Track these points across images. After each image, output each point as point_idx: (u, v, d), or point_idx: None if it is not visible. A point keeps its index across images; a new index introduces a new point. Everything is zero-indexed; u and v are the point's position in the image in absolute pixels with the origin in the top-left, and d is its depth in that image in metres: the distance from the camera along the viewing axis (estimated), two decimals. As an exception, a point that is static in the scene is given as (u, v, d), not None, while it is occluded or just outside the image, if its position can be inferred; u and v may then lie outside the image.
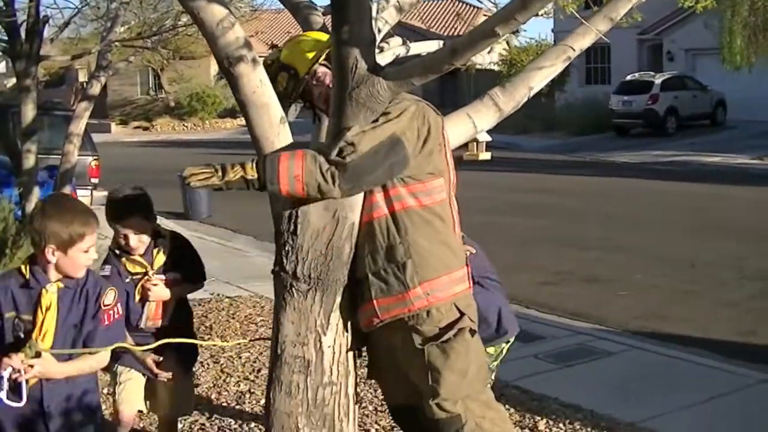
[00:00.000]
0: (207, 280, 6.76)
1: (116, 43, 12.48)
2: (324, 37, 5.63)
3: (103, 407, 6.07)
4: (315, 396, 5.23)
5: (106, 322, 5.01)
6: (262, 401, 6.67)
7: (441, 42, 6.61)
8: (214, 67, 53.97)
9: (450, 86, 52.44)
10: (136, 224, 6.26)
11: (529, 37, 53.34)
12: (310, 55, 5.40)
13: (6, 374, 4.58)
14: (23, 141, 11.21)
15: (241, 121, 7.33)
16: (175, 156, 36.23)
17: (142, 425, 7.53)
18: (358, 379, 5.55)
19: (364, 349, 5.67)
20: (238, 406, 8.04)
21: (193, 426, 7.58)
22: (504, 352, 6.73)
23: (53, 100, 24.36)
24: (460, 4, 56.67)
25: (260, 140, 5.04)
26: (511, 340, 6.73)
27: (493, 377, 6.61)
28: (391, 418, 7.68)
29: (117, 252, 6.31)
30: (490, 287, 6.49)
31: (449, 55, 4.72)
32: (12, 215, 11.19)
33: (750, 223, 18.89)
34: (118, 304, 5.18)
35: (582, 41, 6.01)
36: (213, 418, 7.75)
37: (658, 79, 42.60)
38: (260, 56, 5.15)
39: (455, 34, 49.34)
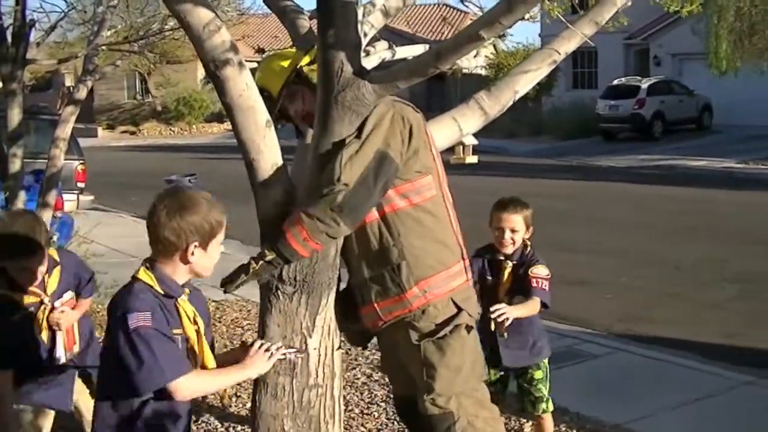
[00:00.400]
0: (195, 283, 6.54)
1: (103, 47, 12.45)
2: (292, 51, 5.67)
3: None
4: (301, 398, 5.24)
5: None
6: (249, 404, 6.68)
7: (427, 46, 6.64)
8: (201, 72, 53.85)
9: (437, 90, 52.44)
10: (41, 255, 5.63)
11: (516, 42, 53.54)
12: (280, 74, 5.42)
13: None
14: (9, 145, 11.17)
15: (228, 125, 7.34)
16: (161, 160, 36.22)
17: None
18: (343, 381, 5.58)
19: (358, 348, 5.73)
20: (223, 411, 8.03)
21: (179, 429, 7.57)
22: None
23: (39, 104, 24.27)
24: (447, 8, 56.73)
25: (246, 143, 5.05)
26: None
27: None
28: (377, 421, 7.72)
29: None
30: None
31: (434, 58, 4.74)
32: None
33: (735, 226, 18.96)
34: None
35: (567, 45, 6.04)
36: (199, 422, 7.75)
37: (645, 84, 42.70)
38: (247, 60, 5.16)
39: (442, 38, 49.33)
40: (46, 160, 11.18)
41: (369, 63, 6.23)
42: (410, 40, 9.41)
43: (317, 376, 5.27)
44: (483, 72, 51.38)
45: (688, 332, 11.03)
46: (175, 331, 4.26)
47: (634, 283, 13.79)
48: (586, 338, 10.66)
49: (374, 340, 5.66)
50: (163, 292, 4.27)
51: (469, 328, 5.27)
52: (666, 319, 11.80)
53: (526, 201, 6.67)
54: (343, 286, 5.45)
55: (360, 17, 5.51)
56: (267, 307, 5.23)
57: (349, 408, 7.84)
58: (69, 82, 57.83)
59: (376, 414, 7.84)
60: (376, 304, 5.19)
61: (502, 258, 6.54)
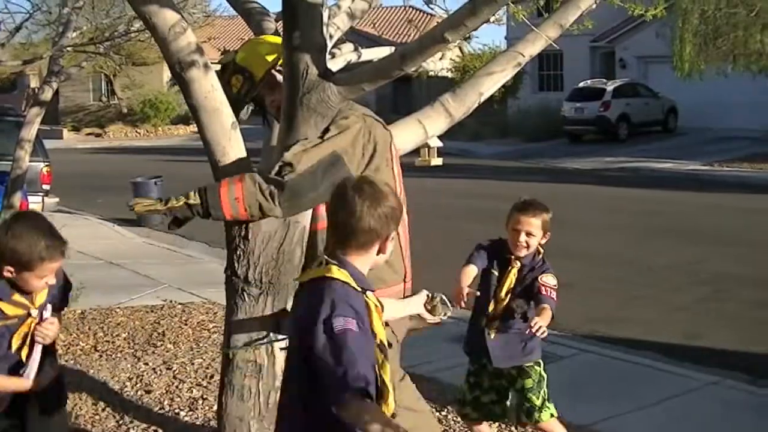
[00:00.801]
0: (161, 286, 6.42)
1: (68, 49, 12.40)
2: (279, 40, 5.64)
3: None
4: (267, 400, 5.25)
5: None
6: (215, 407, 6.67)
7: (393, 48, 6.65)
8: (166, 74, 53.63)
9: (403, 92, 52.47)
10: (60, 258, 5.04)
11: (483, 44, 53.47)
12: (269, 59, 5.39)
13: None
14: (-26, 147, 11.15)
15: (194, 127, 7.33)
16: (127, 162, 36.09)
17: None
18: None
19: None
20: (191, 412, 8.01)
21: (145, 432, 7.57)
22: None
23: (4, 105, 24.15)
24: (413, 10, 56.65)
25: (212, 144, 5.05)
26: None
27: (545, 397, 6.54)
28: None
29: None
30: None
31: (399, 60, 4.76)
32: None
33: (703, 227, 19.06)
34: None
35: (532, 48, 6.07)
36: (166, 425, 7.73)
37: (610, 86, 42.85)
38: (212, 62, 5.16)
39: (408, 40, 49.39)
40: (11, 162, 11.12)
41: (334, 65, 6.23)
42: (376, 42, 9.40)
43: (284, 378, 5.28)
44: (449, 74, 51.50)
45: (655, 333, 11.07)
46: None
47: (602, 285, 13.81)
48: (551, 339, 10.65)
49: None
50: (360, 289, 4.04)
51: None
52: (634, 321, 11.83)
53: (546, 204, 6.37)
54: None
55: (325, 19, 5.52)
56: (233, 309, 5.24)
57: (315, 410, 7.83)
58: (34, 83, 57.48)
59: (342, 416, 7.83)
60: None
61: (512, 257, 6.31)
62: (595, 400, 8.51)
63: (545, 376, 6.51)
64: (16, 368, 5.02)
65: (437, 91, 6.72)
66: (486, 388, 6.42)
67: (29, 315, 5.02)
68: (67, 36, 11.76)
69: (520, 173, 31.97)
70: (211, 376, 8.81)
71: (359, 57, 7.00)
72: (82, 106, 63.73)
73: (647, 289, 13.62)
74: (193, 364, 9.32)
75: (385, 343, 4.07)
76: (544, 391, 6.47)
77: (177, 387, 8.65)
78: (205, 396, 8.36)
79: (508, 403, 6.52)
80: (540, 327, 5.73)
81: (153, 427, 7.64)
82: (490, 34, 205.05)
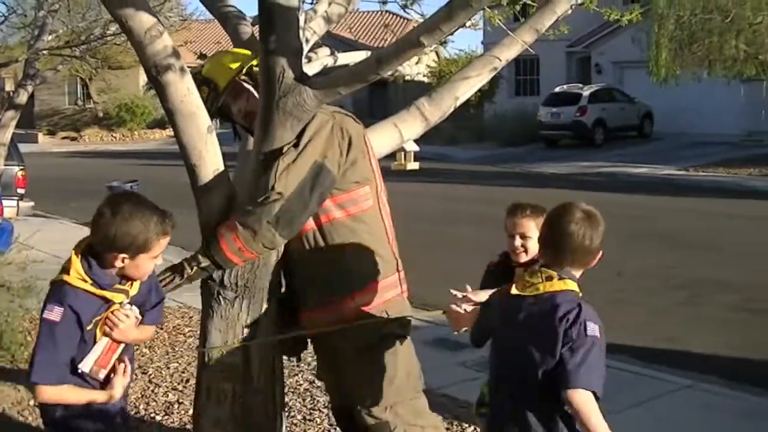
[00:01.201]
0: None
1: (44, 52, 12.38)
2: (246, 51, 5.64)
3: None
4: (243, 403, 5.23)
5: None
6: (191, 411, 6.66)
7: (369, 52, 6.66)
8: (143, 78, 53.54)
9: (379, 97, 52.56)
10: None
11: (459, 49, 53.65)
12: (231, 68, 5.39)
13: None
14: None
15: (171, 131, 7.33)
16: (103, 166, 36.02)
17: None
18: (286, 388, 5.57)
19: (300, 355, 5.74)
20: (166, 416, 8.00)
21: (121, 436, 7.54)
22: None
23: (-21, 109, 24.07)
24: (389, 15, 56.79)
25: (188, 149, 5.04)
26: None
27: None
28: (319, 427, 7.72)
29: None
30: None
31: (375, 64, 4.76)
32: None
33: (677, 232, 19.14)
34: None
35: (508, 52, 6.07)
36: (142, 429, 7.72)
37: (586, 91, 42.98)
38: (189, 66, 5.15)
39: (384, 45, 49.45)
40: (-14, 166, 11.07)
41: (311, 69, 6.24)
42: (352, 46, 9.45)
43: (259, 382, 5.27)
44: (425, 79, 51.58)
45: (631, 338, 11.09)
46: None
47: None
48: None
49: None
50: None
51: (401, 338, 5.28)
52: (610, 325, 11.81)
53: (543, 205, 6.11)
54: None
55: (302, 23, 5.52)
56: (209, 312, 5.23)
57: (292, 414, 7.83)
58: (9, 86, 57.24)
59: (319, 420, 7.84)
60: (309, 312, 5.22)
61: (515, 265, 5.98)
62: (570, 404, 8.52)
63: None
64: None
65: (413, 96, 6.73)
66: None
67: (119, 303, 4.58)
68: (43, 39, 11.74)
69: (496, 178, 32.02)
70: (187, 380, 8.80)
71: (336, 61, 7.02)
72: (57, 109, 63.59)
73: (623, 293, 13.66)
74: (168, 368, 9.31)
75: None
76: None
77: (152, 391, 8.64)
78: (180, 400, 8.35)
79: None
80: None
81: (128, 432, 7.62)
82: (466, 39, 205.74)
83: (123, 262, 4.47)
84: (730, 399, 8.90)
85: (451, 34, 5.41)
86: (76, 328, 4.42)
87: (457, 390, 8.74)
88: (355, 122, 5.21)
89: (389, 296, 5.23)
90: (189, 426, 7.25)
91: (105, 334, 4.56)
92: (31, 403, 8.09)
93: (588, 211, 4.54)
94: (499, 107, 47.84)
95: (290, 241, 5.11)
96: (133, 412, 8.05)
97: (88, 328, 4.47)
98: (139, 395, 8.51)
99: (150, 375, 9.08)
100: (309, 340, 5.58)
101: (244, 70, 5.38)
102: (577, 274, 4.54)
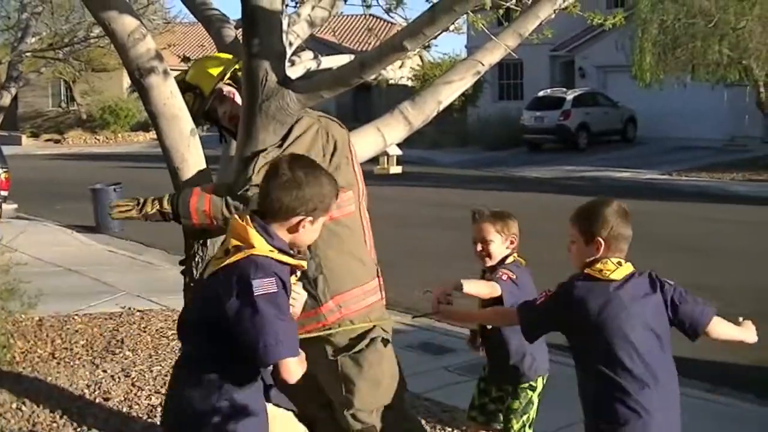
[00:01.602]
0: (120, 293, 6.32)
1: (27, 54, 12.36)
2: (229, 56, 5.65)
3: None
4: (225, 406, 5.22)
5: None
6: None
7: (352, 56, 6.67)
8: (126, 80, 53.41)
9: (363, 100, 52.57)
10: None
11: (443, 53, 53.64)
12: (215, 73, 5.40)
13: None
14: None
15: (154, 134, 7.33)
16: (86, 169, 35.91)
17: None
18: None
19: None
20: (149, 419, 7.99)
21: (103, 440, 7.54)
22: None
23: (-38, 111, 24.03)
24: (373, 19, 56.62)
25: (170, 151, 5.05)
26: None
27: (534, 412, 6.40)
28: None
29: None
30: None
31: (358, 68, 4.78)
32: None
33: (659, 236, 19.15)
34: None
35: (491, 56, 6.09)
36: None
37: (570, 96, 42.99)
38: (172, 68, 5.15)
39: (368, 48, 49.41)
40: (-31, 168, 11.05)
41: (294, 72, 6.24)
42: (336, 50, 9.43)
43: (242, 385, 5.26)
44: (409, 83, 51.58)
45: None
46: None
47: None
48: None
49: None
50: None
51: (385, 342, 5.28)
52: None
53: (511, 212, 6.20)
54: None
55: (285, 27, 5.52)
56: (192, 315, 5.22)
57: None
58: (-7, 89, 57.10)
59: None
60: None
61: (483, 270, 6.09)
62: (552, 408, 8.51)
63: (536, 401, 6.39)
64: None
65: (397, 100, 6.74)
66: (493, 397, 6.39)
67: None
68: (26, 41, 11.74)
69: (480, 182, 32.04)
70: (170, 384, 8.78)
71: (319, 64, 7.02)
72: (41, 112, 63.39)
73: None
74: (152, 371, 9.29)
75: None
76: (529, 416, 6.33)
77: (136, 394, 8.62)
78: (163, 403, 8.34)
79: None
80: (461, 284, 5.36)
81: (111, 435, 7.61)
82: (450, 43, 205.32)
83: (304, 227, 4.27)
84: (715, 404, 8.93)
85: (435, 38, 5.43)
86: (286, 298, 4.18)
87: (441, 394, 8.75)
88: (340, 127, 5.22)
89: (371, 301, 5.24)
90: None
91: None
92: (14, 405, 8.09)
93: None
94: (482, 111, 47.84)
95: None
96: (115, 416, 8.04)
97: None
98: (122, 398, 8.49)
99: (133, 378, 9.06)
100: None
101: (228, 75, 5.39)
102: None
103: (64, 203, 24.49)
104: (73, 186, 25.64)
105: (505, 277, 5.77)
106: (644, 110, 42.67)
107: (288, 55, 5.87)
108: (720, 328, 4.93)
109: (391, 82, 50.90)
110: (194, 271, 5.24)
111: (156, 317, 11.67)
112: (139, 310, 12.03)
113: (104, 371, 9.27)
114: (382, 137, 5.86)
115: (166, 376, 9.09)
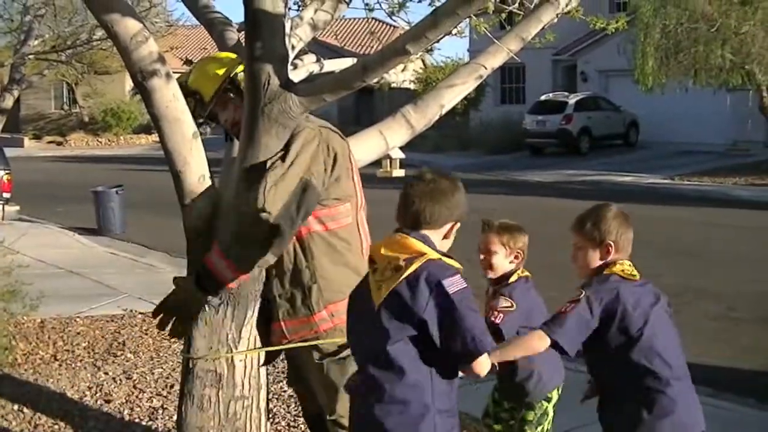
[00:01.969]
0: (122, 295, 6.45)
1: (30, 57, 12.38)
2: (231, 56, 5.65)
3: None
4: (227, 410, 5.24)
5: None
6: (175, 417, 6.66)
7: (355, 59, 6.67)
8: (129, 83, 53.40)
9: (365, 104, 52.56)
10: None
11: (446, 56, 53.60)
12: (217, 76, 5.40)
13: None
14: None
15: (156, 137, 7.35)
16: (88, 171, 35.92)
17: None
18: (270, 394, 5.57)
19: (276, 361, 5.73)
20: (150, 422, 7.99)
21: (105, 442, 7.54)
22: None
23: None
24: (375, 22, 56.60)
25: (173, 154, 5.05)
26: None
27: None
28: (303, 432, 7.71)
29: None
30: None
31: (361, 71, 4.78)
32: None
33: (660, 240, 19.13)
34: None
35: (494, 60, 6.09)
36: (124, 434, 7.73)
37: (572, 100, 42.94)
38: (174, 71, 5.16)
39: (370, 52, 49.34)
40: (-29, 170, 11.06)
41: (296, 76, 6.25)
42: (338, 53, 9.47)
43: (243, 388, 5.28)
44: (411, 86, 51.54)
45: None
46: None
47: (560, 298, 13.82)
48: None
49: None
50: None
51: None
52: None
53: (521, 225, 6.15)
54: None
55: (288, 30, 5.52)
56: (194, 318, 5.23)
57: (276, 421, 7.83)
58: (-5, 91, 57.12)
59: (303, 427, 7.82)
60: (283, 323, 5.22)
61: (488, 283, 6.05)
62: (562, 410, 8.52)
63: (551, 412, 6.35)
64: None
65: (399, 103, 6.75)
66: (506, 408, 6.36)
67: None
68: (29, 44, 11.75)
69: (482, 186, 31.97)
70: (171, 386, 8.79)
71: (321, 68, 7.02)
72: (43, 114, 63.43)
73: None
74: (153, 373, 9.29)
75: None
76: (543, 428, 6.31)
77: (137, 397, 8.63)
78: (165, 406, 8.34)
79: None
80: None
81: (112, 438, 7.62)
82: (452, 47, 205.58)
83: (453, 231, 4.45)
84: (715, 408, 8.92)
85: (437, 41, 5.43)
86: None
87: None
88: (340, 138, 5.22)
89: None
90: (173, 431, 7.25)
91: None
92: (15, 408, 8.09)
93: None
94: (484, 115, 47.80)
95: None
96: (117, 418, 8.04)
97: None
98: (124, 401, 8.49)
99: (134, 380, 9.06)
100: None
101: (230, 77, 5.39)
102: None
103: (66, 205, 24.50)
104: (75, 188, 25.65)
105: (498, 319, 5.76)
106: (646, 115, 42.61)
107: (290, 59, 5.87)
108: None
109: (393, 85, 50.86)
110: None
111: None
112: (140, 313, 12.02)
113: (106, 373, 9.27)
114: (385, 140, 5.87)
115: (167, 378, 9.09)
